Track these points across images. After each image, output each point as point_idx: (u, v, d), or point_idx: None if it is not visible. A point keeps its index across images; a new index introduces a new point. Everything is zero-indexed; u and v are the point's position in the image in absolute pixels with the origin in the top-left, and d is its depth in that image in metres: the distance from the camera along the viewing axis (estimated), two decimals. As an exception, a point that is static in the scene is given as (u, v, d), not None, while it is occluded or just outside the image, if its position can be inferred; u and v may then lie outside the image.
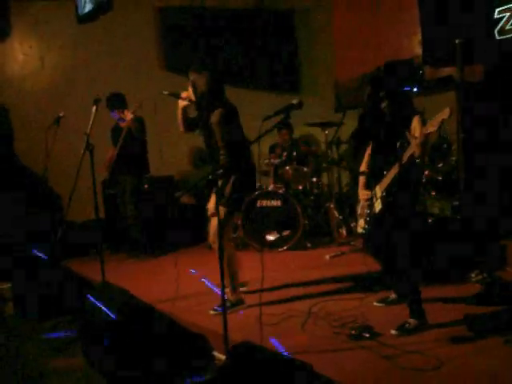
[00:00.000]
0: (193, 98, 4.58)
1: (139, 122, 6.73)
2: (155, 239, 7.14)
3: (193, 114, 4.73)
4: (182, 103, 4.62)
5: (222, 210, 4.53)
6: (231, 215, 4.60)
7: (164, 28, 8.38)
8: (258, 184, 7.15)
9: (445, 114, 3.45)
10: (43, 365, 3.90)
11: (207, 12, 8.52)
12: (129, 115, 6.61)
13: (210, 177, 4.31)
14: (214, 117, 4.47)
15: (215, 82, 4.56)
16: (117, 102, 6.70)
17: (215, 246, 4.68)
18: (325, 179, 7.90)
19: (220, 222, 4.38)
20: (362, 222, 4.22)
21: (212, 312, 4.46)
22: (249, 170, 4.75)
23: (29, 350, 4.19)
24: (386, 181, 3.91)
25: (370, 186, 4.18)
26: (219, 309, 4.29)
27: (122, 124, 6.76)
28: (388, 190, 3.93)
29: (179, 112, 4.66)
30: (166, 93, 4.70)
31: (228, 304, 4.45)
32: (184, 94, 4.60)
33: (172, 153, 8.18)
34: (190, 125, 4.72)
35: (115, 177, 6.90)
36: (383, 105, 3.96)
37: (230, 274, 4.54)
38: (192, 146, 8.25)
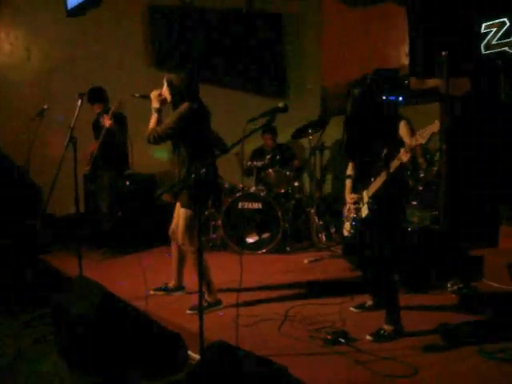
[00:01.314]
0: (168, 97, 4.58)
1: (120, 121, 6.60)
2: (129, 237, 7.09)
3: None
4: (155, 102, 4.56)
5: (184, 211, 4.57)
6: (194, 216, 4.50)
7: (152, 25, 8.35)
8: (240, 186, 7.17)
9: (435, 127, 3.49)
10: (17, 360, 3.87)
11: (196, 11, 8.50)
12: (107, 121, 6.45)
13: (194, 176, 4.28)
14: (181, 107, 4.46)
15: (191, 80, 4.57)
16: (95, 96, 6.59)
17: (173, 238, 4.83)
18: (307, 184, 7.92)
19: (186, 223, 4.42)
20: (347, 225, 4.24)
21: (189, 311, 4.45)
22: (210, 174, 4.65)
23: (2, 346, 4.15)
24: (374, 187, 3.94)
25: (357, 189, 4.19)
26: (195, 309, 4.29)
27: (102, 121, 6.68)
28: (374, 198, 3.95)
29: (153, 118, 4.56)
30: (137, 95, 4.71)
31: (205, 304, 4.45)
32: (153, 93, 4.58)
33: (152, 150, 8.15)
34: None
35: (96, 171, 6.82)
36: (367, 111, 4.00)
37: (204, 277, 4.52)
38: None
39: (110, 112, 6.45)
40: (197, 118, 4.51)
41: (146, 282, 4.48)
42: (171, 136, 4.52)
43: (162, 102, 4.59)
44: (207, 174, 4.18)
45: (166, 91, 4.58)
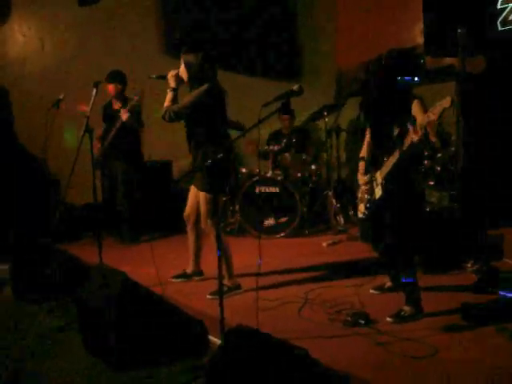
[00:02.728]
0: (185, 78, 4.57)
1: (136, 112, 6.60)
2: (146, 224, 7.13)
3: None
4: (171, 81, 4.56)
5: (203, 195, 4.58)
6: (214, 200, 4.47)
7: (164, 12, 8.33)
8: (256, 170, 7.17)
9: (446, 102, 3.44)
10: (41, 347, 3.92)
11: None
12: (124, 114, 6.45)
13: (210, 161, 4.29)
14: (200, 88, 4.47)
15: (208, 61, 4.55)
16: (114, 75, 6.55)
17: (189, 223, 4.86)
18: (323, 166, 7.89)
19: (208, 207, 4.43)
20: (362, 207, 4.23)
21: (209, 296, 4.48)
22: (229, 156, 4.72)
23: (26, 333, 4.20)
24: (386, 167, 3.91)
25: (370, 171, 4.17)
26: (216, 294, 4.32)
27: (114, 105, 6.68)
28: (388, 177, 3.93)
29: (168, 96, 4.57)
30: (153, 76, 4.71)
31: (225, 289, 4.48)
32: (170, 73, 4.58)
33: (171, 138, 8.17)
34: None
35: (108, 161, 6.81)
36: (382, 92, 3.98)
37: (225, 260, 4.55)
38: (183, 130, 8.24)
39: (130, 105, 6.43)
40: (214, 99, 4.51)
41: (160, 269, 4.49)
42: (186, 115, 4.53)
43: (179, 81, 4.59)
44: (223, 158, 4.21)
45: (183, 71, 4.57)
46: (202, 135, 4.56)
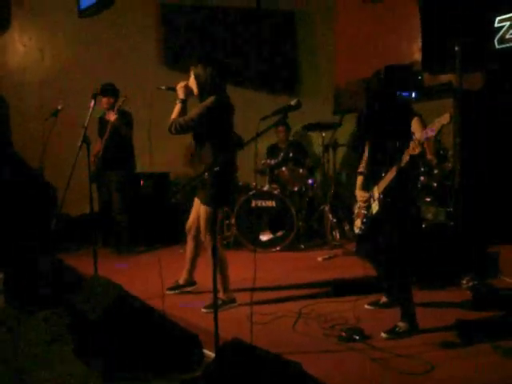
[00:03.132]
0: (195, 89, 4.58)
1: (125, 117, 6.70)
2: (142, 236, 7.16)
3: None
4: (180, 93, 4.57)
5: (204, 208, 4.58)
6: (214, 214, 4.40)
7: (165, 24, 8.38)
8: (253, 184, 7.17)
9: (444, 119, 3.46)
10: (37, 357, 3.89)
11: (208, 10, 8.52)
12: (112, 116, 6.59)
13: (206, 174, 4.31)
14: (207, 101, 4.47)
15: (219, 75, 4.57)
16: (108, 89, 6.62)
17: (189, 233, 4.85)
18: (320, 181, 7.91)
19: (207, 221, 4.42)
20: (358, 222, 4.23)
21: (204, 310, 4.46)
22: (233, 169, 4.74)
23: (21, 342, 4.17)
24: (384, 183, 3.91)
25: (367, 186, 4.18)
26: (211, 307, 4.30)
27: (108, 117, 6.75)
28: (386, 193, 3.93)
29: (177, 108, 4.58)
30: (162, 88, 4.70)
31: (219, 302, 4.47)
32: (180, 85, 4.59)
33: (165, 150, 8.20)
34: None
35: (102, 172, 6.86)
36: (380, 107, 3.99)
37: (221, 273, 4.55)
38: (186, 143, 8.26)
39: (116, 107, 6.59)
40: (221, 112, 4.52)
41: (163, 280, 4.48)
42: (193, 128, 4.52)
43: (188, 93, 4.60)
44: (225, 172, 4.23)
45: (192, 83, 4.58)
46: (208, 148, 4.53)
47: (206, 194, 4.53)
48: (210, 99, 4.47)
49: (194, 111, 4.50)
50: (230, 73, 4.91)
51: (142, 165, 7.25)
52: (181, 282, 5.07)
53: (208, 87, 4.53)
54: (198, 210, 4.73)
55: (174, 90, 4.62)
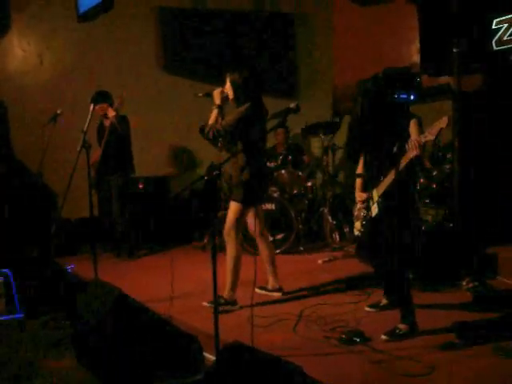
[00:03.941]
0: (231, 95, 4.67)
1: (123, 119, 6.75)
2: (143, 239, 7.19)
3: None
4: (216, 99, 4.66)
5: (234, 204, 4.67)
6: (243, 211, 4.67)
7: (163, 28, 8.38)
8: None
9: (443, 122, 3.47)
10: (34, 363, 3.89)
11: (207, 13, 8.53)
12: (111, 112, 6.65)
13: (206, 177, 4.35)
14: (243, 106, 4.58)
15: (249, 79, 4.64)
16: (98, 97, 6.62)
17: (257, 237, 4.96)
18: (319, 184, 7.91)
19: (235, 216, 4.64)
20: (358, 225, 4.22)
21: (205, 303, 4.55)
22: (262, 171, 4.85)
23: (20, 347, 4.18)
24: (383, 185, 3.92)
25: (366, 188, 4.18)
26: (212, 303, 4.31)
27: (106, 122, 6.77)
28: (385, 196, 3.94)
29: (214, 113, 4.66)
30: (200, 95, 4.80)
31: (221, 301, 4.49)
32: (216, 91, 4.68)
33: (164, 153, 8.24)
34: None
35: (102, 177, 6.88)
36: (378, 110, 4.00)
37: (233, 272, 4.64)
38: (180, 147, 8.31)
39: (114, 106, 6.66)
40: (255, 116, 4.61)
41: (159, 283, 4.49)
42: (230, 133, 4.59)
43: (224, 99, 4.69)
44: (257, 173, 4.56)
45: (228, 89, 4.67)
46: (242, 151, 4.60)
47: (239, 192, 4.63)
48: (246, 105, 4.57)
49: (231, 117, 4.59)
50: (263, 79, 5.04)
51: (141, 168, 7.24)
52: (269, 287, 5.07)
53: (244, 91, 4.62)
54: None
55: (210, 96, 4.71)
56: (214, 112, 4.66)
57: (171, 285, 4.28)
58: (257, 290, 4.88)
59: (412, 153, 3.65)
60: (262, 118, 4.73)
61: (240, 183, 4.61)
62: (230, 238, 4.67)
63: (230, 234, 4.68)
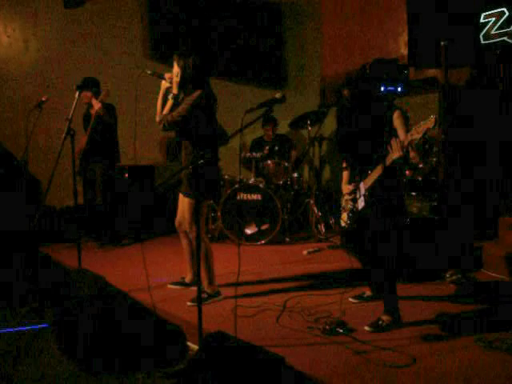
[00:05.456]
0: (177, 80, 4.47)
1: (109, 110, 6.68)
2: (128, 227, 7.15)
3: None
4: (164, 85, 4.53)
5: (187, 201, 4.56)
6: (197, 206, 4.27)
7: (150, 16, 8.30)
8: (239, 177, 7.16)
9: (430, 123, 3.46)
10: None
11: (194, 2, 8.45)
12: (96, 104, 6.57)
13: (191, 167, 4.29)
14: (193, 95, 4.41)
15: (201, 66, 4.47)
16: (84, 84, 6.50)
17: (181, 230, 4.78)
18: (306, 175, 7.93)
19: (192, 213, 4.42)
20: (344, 216, 4.23)
21: (189, 303, 4.46)
22: (216, 163, 4.67)
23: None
24: (370, 180, 3.93)
25: (353, 180, 4.18)
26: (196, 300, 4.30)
27: (92, 109, 6.72)
28: (371, 191, 3.94)
29: (160, 95, 4.54)
30: (148, 72, 4.58)
31: (204, 295, 4.47)
32: (168, 75, 4.52)
33: (150, 143, 8.19)
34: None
35: (87, 165, 6.83)
36: (365, 102, 3.99)
37: (207, 266, 4.55)
38: (166, 137, 8.26)
39: (99, 99, 6.58)
40: (207, 105, 4.45)
41: (141, 272, 4.46)
42: (182, 123, 4.43)
43: (172, 82, 4.51)
44: (208, 165, 4.22)
45: (176, 74, 4.45)
46: (192, 140, 4.48)
47: (189, 187, 4.51)
48: (197, 93, 4.40)
49: (182, 107, 4.41)
50: (214, 64, 4.86)
51: (127, 158, 7.20)
52: (187, 280, 4.99)
53: (193, 79, 4.45)
54: (182, 204, 4.71)
55: (159, 76, 4.55)
56: (170, 102, 4.46)
57: (146, 275, 4.23)
58: (169, 286, 4.92)
59: (395, 154, 3.66)
60: (212, 106, 4.52)
61: (190, 177, 4.46)
62: (193, 236, 4.53)
63: (192, 230, 4.53)
